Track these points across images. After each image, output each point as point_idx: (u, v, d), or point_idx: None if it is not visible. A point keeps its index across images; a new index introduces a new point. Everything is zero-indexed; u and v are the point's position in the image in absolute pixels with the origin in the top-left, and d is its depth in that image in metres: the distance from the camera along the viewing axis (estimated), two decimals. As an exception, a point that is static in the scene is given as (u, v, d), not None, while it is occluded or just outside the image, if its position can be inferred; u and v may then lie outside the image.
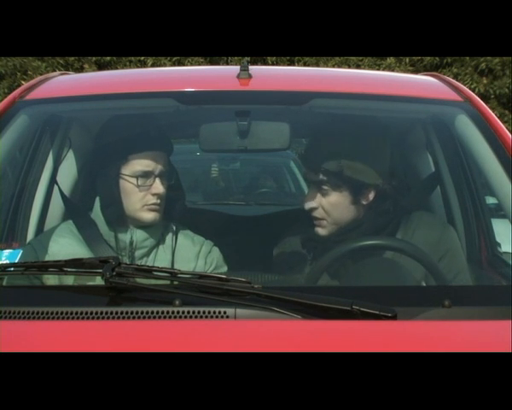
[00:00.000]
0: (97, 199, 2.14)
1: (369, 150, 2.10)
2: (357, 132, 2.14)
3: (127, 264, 1.66)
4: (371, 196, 2.08)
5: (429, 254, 1.94)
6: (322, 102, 2.24)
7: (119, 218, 2.11)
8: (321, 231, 2.10)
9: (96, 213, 2.14)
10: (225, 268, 2.18)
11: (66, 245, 2.09)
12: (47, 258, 2.04)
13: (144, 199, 2.08)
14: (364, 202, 2.09)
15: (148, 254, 2.13)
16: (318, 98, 2.21)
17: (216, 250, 2.21)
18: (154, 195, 2.08)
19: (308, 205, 2.10)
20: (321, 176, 2.07)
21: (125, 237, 2.10)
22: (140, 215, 2.09)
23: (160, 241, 2.16)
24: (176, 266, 2.06)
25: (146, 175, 2.08)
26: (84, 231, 2.13)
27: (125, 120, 2.23)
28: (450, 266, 2.03)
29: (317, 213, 2.09)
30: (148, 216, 2.09)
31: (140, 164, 2.08)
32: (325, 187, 2.07)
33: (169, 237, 2.17)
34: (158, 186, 2.08)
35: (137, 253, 2.11)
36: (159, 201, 2.09)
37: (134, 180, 2.07)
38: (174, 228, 2.20)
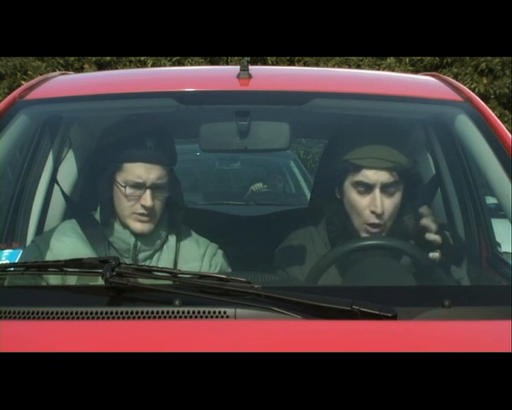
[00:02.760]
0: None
1: (404, 149, 2.11)
2: (389, 133, 2.15)
3: (127, 264, 1.65)
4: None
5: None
6: (323, 102, 2.24)
7: (109, 221, 2.10)
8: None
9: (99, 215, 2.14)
10: (229, 271, 2.18)
11: (70, 244, 2.09)
12: (51, 256, 2.04)
13: (133, 207, 2.07)
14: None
15: (151, 257, 2.13)
16: (318, 98, 2.20)
17: (220, 253, 2.21)
18: (142, 206, 2.06)
19: (373, 214, 2.03)
20: (387, 176, 2.03)
21: (129, 240, 2.10)
22: (128, 223, 2.08)
23: (165, 243, 2.16)
24: (180, 268, 2.06)
25: (136, 186, 2.06)
26: (88, 230, 2.13)
27: (128, 120, 2.23)
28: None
29: (379, 220, 2.03)
30: (136, 225, 2.08)
31: (132, 174, 2.06)
32: (391, 189, 2.04)
33: (173, 240, 2.17)
34: (146, 198, 2.05)
35: (141, 255, 2.11)
36: (147, 212, 2.06)
37: (123, 189, 2.06)
38: (178, 230, 2.19)
